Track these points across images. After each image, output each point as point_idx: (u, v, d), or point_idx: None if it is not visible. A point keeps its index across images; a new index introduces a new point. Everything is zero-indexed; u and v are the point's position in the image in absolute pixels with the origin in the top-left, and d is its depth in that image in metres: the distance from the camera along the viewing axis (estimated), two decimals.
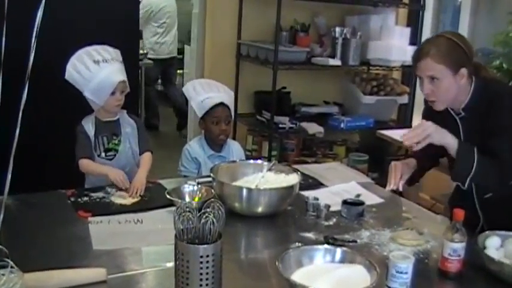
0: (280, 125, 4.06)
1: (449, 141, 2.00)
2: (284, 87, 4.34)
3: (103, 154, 2.58)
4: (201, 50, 4.50)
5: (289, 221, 2.18)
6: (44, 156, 3.41)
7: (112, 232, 1.99)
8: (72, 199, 2.28)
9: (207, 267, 1.44)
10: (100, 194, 2.33)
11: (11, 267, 1.43)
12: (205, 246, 1.45)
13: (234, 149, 2.91)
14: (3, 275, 1.42)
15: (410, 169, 2.27)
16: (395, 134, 3.71)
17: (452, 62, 1.96)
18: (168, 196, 2.19)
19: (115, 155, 2.59)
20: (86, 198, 2.29)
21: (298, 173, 2.30)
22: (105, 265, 1.67)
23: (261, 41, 4.19)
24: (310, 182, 2.61)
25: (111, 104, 2.54)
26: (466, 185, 2.00)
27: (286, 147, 4.43)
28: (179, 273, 1.46)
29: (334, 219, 2.18)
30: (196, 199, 2.25)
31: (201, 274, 1.44)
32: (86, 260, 1.77)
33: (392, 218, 2.22)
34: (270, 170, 2.35)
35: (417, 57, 2.02)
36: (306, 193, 2.37)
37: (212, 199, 1.53)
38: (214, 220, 1.45)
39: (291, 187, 2.19)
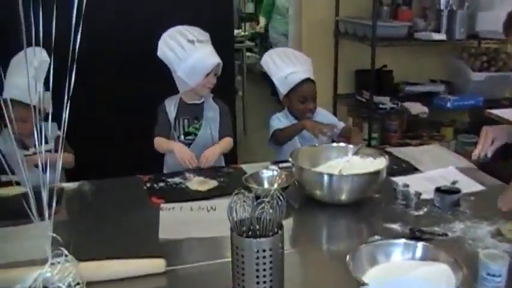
0: (381, 106, 3.81)
1: None
2: (385, 66, 4.07)
3: (182, 137, 2.52)
4: (299, 30, 4.32)
5: (375, 209, 1.99)
6: (124, 142, 3.43)
7: (182, 220, 1.91)
8: (148, 185, 2.23)
9: (264, 263, 1.30)
10: (177, 180, 2.26)
11: (65, 255, 1.40)
12: (261, 239, 1.31)
13: (321, 115, 2.70)
14: (58, 263, 1.40)
15: (504, 135, 1.94)
16: (507, 114, 3.33)
17: None
18: (244, 182, 2.08)
19: (194, 139, 2.51)
20: (161, 184, 2.23)
21: (386, 156, 2.09)
22: (168, 255, 1.59)
23: (360, 17, 3.94)
24: (404, 167, 2.38)
25: (203, 85, 2.47)
26: None
27: (388, 128, 4.17)
28: (235, 268, 1.34)
29: (425, 209, 1.95)
30: (276, 185, 2.12)
31: (257, 270, 1.31)
32: (150, 249, 1.70)
33: (492, 209, 1.93)
34: (355, 154, 2.16)
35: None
36: (396, 179, 2.17)
37: (273, 188, 1.38)
38: (271, 211, 1.31)
39: (377, 173, 1.99)
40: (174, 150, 2.32)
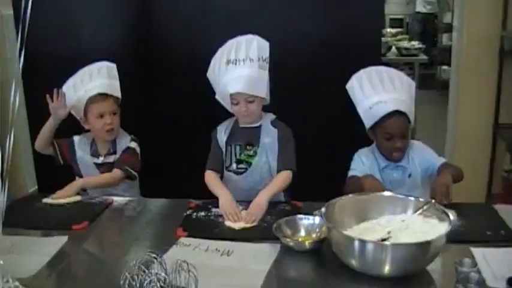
0: None
1: None
2: None
3: (234, 166, 2.25)
4: (461, 45, 3.72)
5: None
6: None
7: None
8: (189, 212, 2.05)
9: None
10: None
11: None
12: None
13: (417, 153, 2.20)
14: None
15: None
16: None
17: None
18: (274, 230, 1.77)
19: (246, 169, 2.23)
20: (202, 213, 2.04)
21: (453, 219, 1.60)
22: None
23: None
24: (501, 235, 1.83)
25: (237, 113, 2.22)
26: None
27: None
28: None
29: None
30: (315, 236, 1.78)
31: None
32: None
33: None
34: (418, 212, 1.70)
35: None
36: (478, 251, 1.68)
37: (183, 262, 1.09)
38: None
39: (426, 244, 1.53)
40: (219, 200, 2.06)
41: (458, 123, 3.74)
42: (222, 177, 2.24)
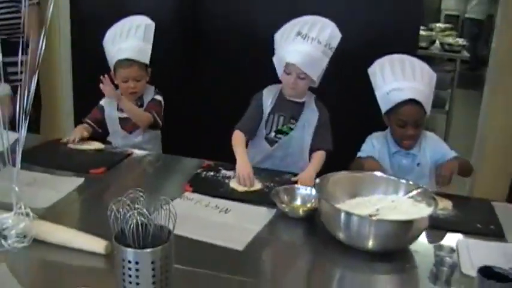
0: None
1: None
2: None
3: (273, 134, 2.32)
4: (499, 42, 3.67)
5: (397, 269, 1.62)
6: None
7: (184, 214, 1.78)
8: (199, 171, 2.17)
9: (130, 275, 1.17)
10: (229, 173, 2.15)
11: (27, 214, 1.52)
12: (129, 249, 1.17)
13: (430, 144, 2.25)
14: (22, 214, 1.52)
15: None
16: None
17: None
18: (271, 196, 1.88)
19: (281, 138, 2.32)
20: (211, 173, 2.16)
21: (436, 206, 1.68)
22: None
23: None
24: (490, 230, 1.86)
25: (284, 82, 2.29)
26: None
27: None
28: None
29: None
30: (309, 205, 1.88)
31: (123, 280, 1.18)
32: None
33: None
34: (409, 195, 1.78)
35: None
36: (464, 240, 1.75)
37: (164, 199, 1.21)
38: (137, 221, 1.15)
39: (409, 223, 1.61)
40: (237, 161, 2.14)
41: (488, 122, 3.72)
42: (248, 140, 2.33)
